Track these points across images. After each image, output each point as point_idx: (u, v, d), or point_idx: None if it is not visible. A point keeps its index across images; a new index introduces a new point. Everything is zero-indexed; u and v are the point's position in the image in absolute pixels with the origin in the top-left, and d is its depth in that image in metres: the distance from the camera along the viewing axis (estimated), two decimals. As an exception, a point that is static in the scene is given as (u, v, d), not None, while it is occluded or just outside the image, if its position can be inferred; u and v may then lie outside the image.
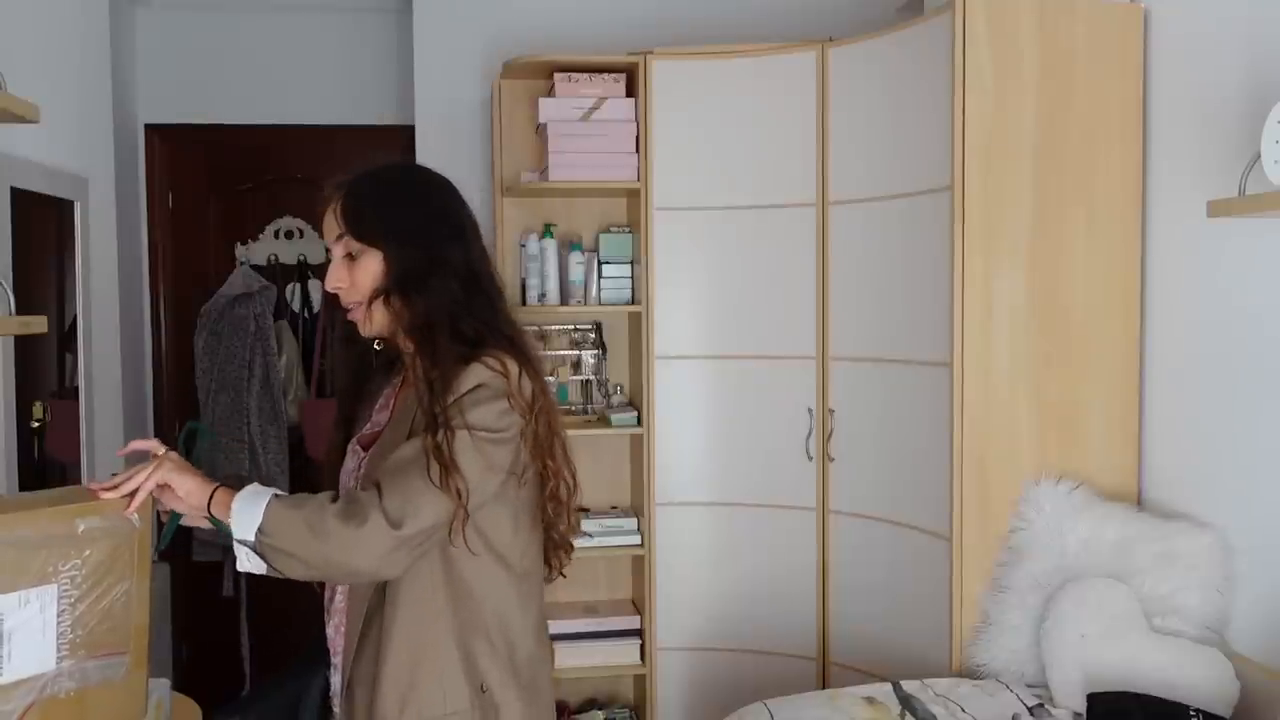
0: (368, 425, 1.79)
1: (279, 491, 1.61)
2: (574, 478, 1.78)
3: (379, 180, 1.75)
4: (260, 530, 1.55)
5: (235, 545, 1.58)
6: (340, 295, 1.73)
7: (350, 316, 1.74)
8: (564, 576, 1.89)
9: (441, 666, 1.67)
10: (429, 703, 1.67)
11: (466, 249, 1.71)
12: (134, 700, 1.69)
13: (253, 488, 1.61)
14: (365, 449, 1.75)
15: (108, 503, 1.60)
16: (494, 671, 1.70)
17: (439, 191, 1.76)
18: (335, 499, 1.60)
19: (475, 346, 1.65)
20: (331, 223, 1.71)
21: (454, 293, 1.67)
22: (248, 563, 1.59)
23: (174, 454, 1.65)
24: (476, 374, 1.62)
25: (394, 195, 1.73)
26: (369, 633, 1.70)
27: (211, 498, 1.60)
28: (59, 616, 1.58)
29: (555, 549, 1.84)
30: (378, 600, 1.69)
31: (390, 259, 1.67)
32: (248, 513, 1.56)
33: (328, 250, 1.74)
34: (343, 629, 1.75)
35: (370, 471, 1.68)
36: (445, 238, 1.69)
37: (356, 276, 1.70)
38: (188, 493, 1.60)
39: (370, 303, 1.69)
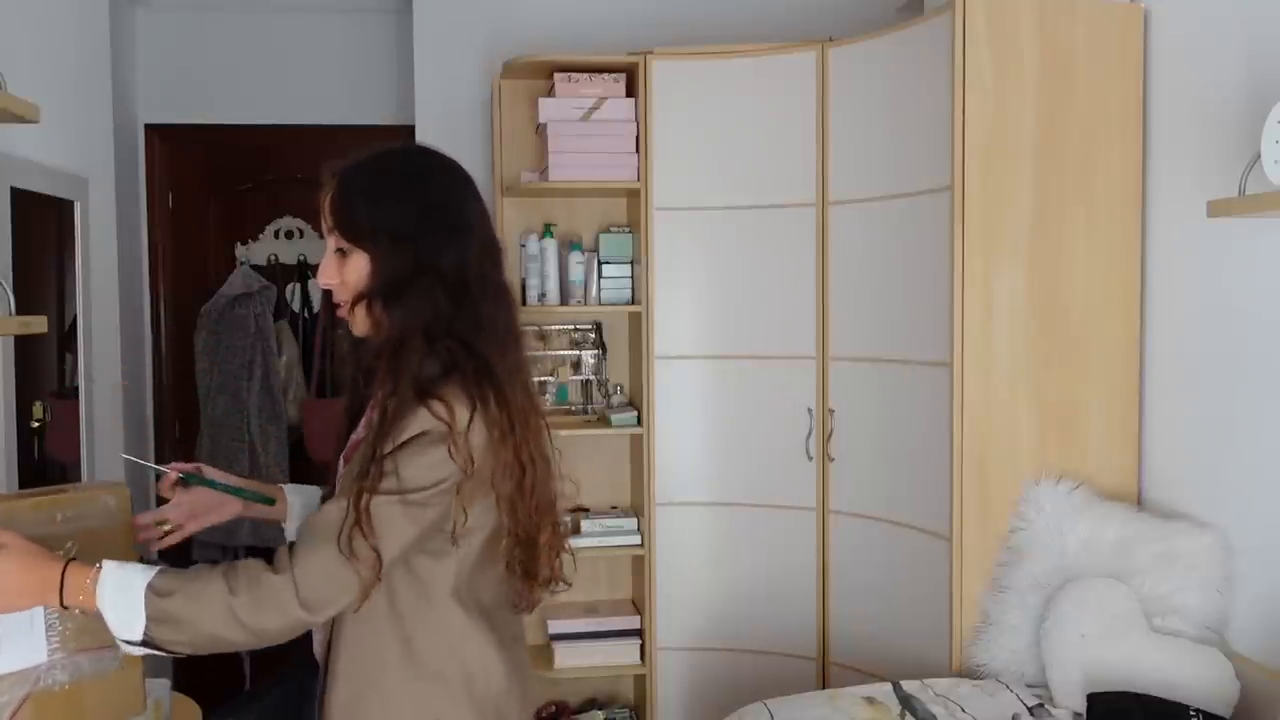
0: (362, 427, 1.71)
1: (152, 581, 1.47)
2: (555, 528, 1.67)
3: (375, 171, 1.62)
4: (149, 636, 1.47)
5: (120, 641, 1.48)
6: (332, 291, 1.65)
7: (340, 314, 1.66)
8: (556, 590, 1.77)
9: (386, 705, 1.60)
10: None
11: (462, 249, 1.58)
12: (131, 694, 1.69)
13: (115, 583, 1.47)
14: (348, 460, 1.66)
15: (86, 494, 1.58)
16: (452, 710, 1.61)
17: (441, 180, 1.64)
18: (231, 588, 1.47)
19: (445, 372, 1.55)
20: (325, 213, 1.62)
21: (437, 304, 1.55)
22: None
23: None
24: (421, 421, 1.51)
25: (389, 189, 1.60)
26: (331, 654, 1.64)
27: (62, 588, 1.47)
28: (46, 609, 1.57)
29: (531, 587, 1.71)
30: (329, 628, 1.64)
31: (377, 263, 1.57)
32: (125, 609, 1.46)
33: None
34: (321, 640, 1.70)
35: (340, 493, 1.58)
36: (441, 236, 1.58)
37: (346, 275, 1.61)
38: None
39: (354, 305, 1.61)
